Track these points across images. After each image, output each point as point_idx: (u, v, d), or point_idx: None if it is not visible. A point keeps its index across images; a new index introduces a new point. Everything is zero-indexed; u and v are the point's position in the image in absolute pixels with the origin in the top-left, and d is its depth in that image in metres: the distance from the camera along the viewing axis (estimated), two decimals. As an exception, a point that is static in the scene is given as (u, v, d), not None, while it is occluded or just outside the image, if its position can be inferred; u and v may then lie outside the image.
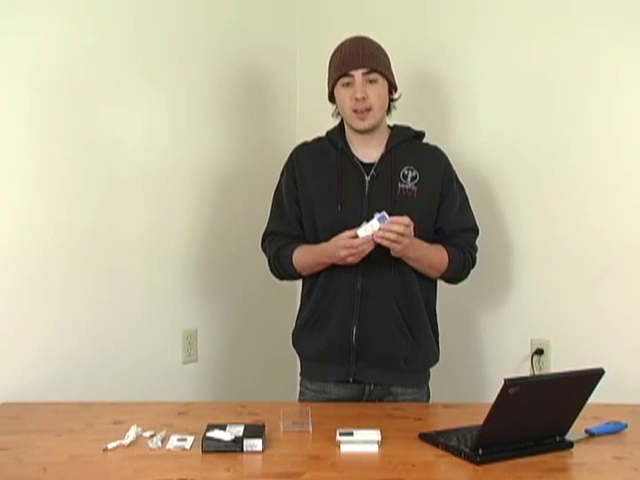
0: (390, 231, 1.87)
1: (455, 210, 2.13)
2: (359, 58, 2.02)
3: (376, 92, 2.03)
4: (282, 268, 2.13)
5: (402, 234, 1.88)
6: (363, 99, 2.01)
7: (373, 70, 2.02)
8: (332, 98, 2.12)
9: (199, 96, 2.68)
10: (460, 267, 2.12)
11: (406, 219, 1.90)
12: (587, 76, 2.37)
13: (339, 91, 2.06)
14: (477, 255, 2.17)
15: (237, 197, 2.80)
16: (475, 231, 2.18)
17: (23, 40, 2.15)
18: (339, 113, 2.14)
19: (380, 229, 1.87)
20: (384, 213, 1.87)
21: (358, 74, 2.01)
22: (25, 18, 2.15)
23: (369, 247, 1.90)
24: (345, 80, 2.03)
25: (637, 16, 2.28)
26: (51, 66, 2.22)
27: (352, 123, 2.07)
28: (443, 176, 2.12)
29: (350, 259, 1.93)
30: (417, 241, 1.98)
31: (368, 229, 1.88)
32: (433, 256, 2.07)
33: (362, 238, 1.88)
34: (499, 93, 2.56)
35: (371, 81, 2.02)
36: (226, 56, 2.76)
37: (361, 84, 2.01)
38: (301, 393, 2.18)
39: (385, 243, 1.89)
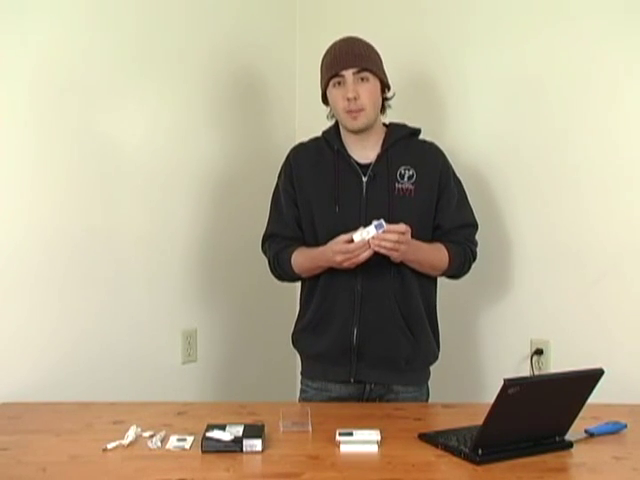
0: (385, 240, 1.87)
1: (453, 206, 2.13)
2: (349, 57, 2.02)
3: (367, 91, 2.03)
4: (282, 271, 2.13)
5: (398, 242, 1.88)
6: (355, 99, 2.01)
7: (364, 69, 2.02)
8: (325, 100, 2.12)
9: (198, 98, 2.68)
10: (461, 264, 2.12)
11: (402, 227, 1.90)
12: (583, 74, 2.37)
13: (331, 92, 2.06)
14: (477, 250, 2.17)
15: (236, 198, 2.80)
16: (474, 226, 2.18)
17: (22, 40, 2.15)
18: (334, 115, 2.14)
19: (374, 237, 1.87)
20: (382, 221, 1.87)
21: (349, 73, 2.01)
22: (25, 18, 2.15)
23: (365, 254, 1.89)
24: (336, 80, 2.03)
25: (633, 15, 2.27)
26: (50, 67, 2.22)
27: (345, 123, 2.07)
28: (440, 173, 2.12)
29: (346, 264, 1.93)
30: (416, 243, 1.98)
31: (364, 234, 1.87)
32: (434, 256, 2.07)
33: (357, 243, 1.88)
34: (496, 92, 2.56)
35: (362, 79, 2.02)
36: (226, 57, 2.75)
37: (352, 83, 2.01)
38: (302, 391, 2.18)
39: (382, 251, 1.89)
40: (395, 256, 1.93)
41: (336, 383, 2.11)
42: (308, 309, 2.14)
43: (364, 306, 2.05)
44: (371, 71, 2.03)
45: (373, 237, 1.87)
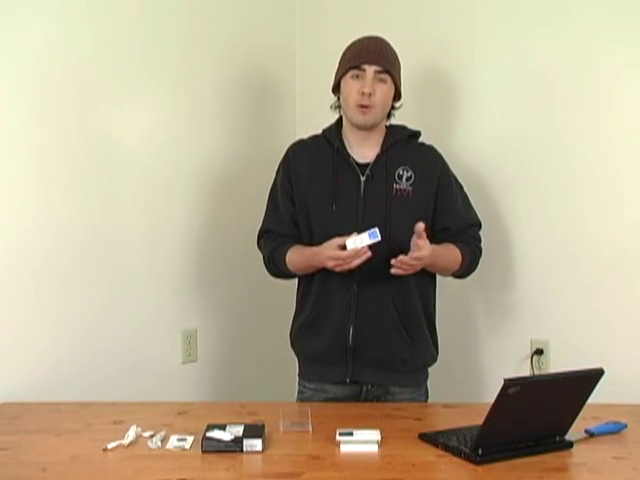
0: (406, 264, 1.90)
1: (459, 208, 2.14)
2: (375, 54, 2.03)
3: (383, 91, 2.04)
4: (277, 268, 2.14)
5: (414, 266, 1.92)
6: (369, 95, 2.01)
7: (386, 70, 2.03)
8: (336, 89, 2.12)
9: (199, 95, 2.67)
10: (472, 262, 2.14)
11: (424, 253, 1.91)
12: (587, 78, 2.37)
13: (347, 82, 2.06)
14: (482, 246, 2.19)
15: (236, 196, 2.80)
16: (479, 225, 2.20)
17: (23, 39, 2.15)
18: (338, 106, 2.13)
19: (397, 260, 1.89)
20: (376, 230, 1.87)
21: (370, 70, 2.02)
22: (25, 17, 2.15)
23: (357, 261, 1.90)
24: (355, 72, 2.04)
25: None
26: (52, 65, 2.22)
27: (353, 116, 2.07)
28: (439, 176, 2.12)
29: (338, 269, 1.94)
30: (434, 248, 1.97)
31: (357, 242, 1.88)
32: (447, 259, 2.08)
33: (349, 251, 1.88)
34: (500, 94, 2.56)
35: (381, 80, 2.03)
36: (226, 55, 2.75)
37: (371, 80, 2.02)
38: (299, 392, 2.19)
39: (400, 272, 1.92)
40: (404, 274, 1.95)
41: (332, 384, 2.11)
42: (304, 308, 2.15)
43: (360, 306, 2.06)
44: (391, 75, 2.04)
45: (397, 259, 1.89)
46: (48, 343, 2.24)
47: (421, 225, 1.91)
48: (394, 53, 2.09)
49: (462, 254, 2.09)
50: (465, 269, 2.13)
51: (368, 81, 2.02)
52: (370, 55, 2.03)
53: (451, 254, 2.08)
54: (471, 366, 2.65)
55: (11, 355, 2.15)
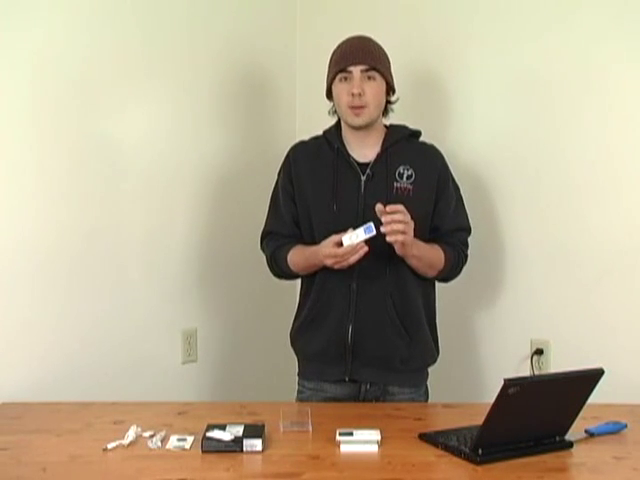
0: (395, 220, 1.86)
1: (451, 210, 2.14)
2: (359, 54, 2.03)
3: (373, 90, 2.03)
4: (279, 268, 2.14)
5: (404, 221, 1.87)
6: (359, 95, 2.01)
7: (372, 68, 2.03)
8: (329, 95, 2.12)
9: (199, 96, 2.68)
10: (455, 265, 2.12)
11: (400, 206, 1.90)
12: (584, 76, 2.36)
13: (337, 86, 2.06)
14: (468, 252, 2.18)
15: (237, 197, 2.80)
16: (468, 230, 2.19)
17: (23, 38, 2.15)
18: (335, 111, 2.14)
19: (385, 223, 1.85)
20: (371, 224, 1.87)
21: (357, 70, 2.02)
22: (25, 16, 2.15)
23: (355, 257, 1.89)
24: (343, 75, 2.04)
25: (634, 16, 2.28)
26: (52, 65, 2.22)
27: (347, 119, 2.07)
28: (439, 174, 2.12)
29: (337, 267, 1.93)
30: (417, 240, 1.98)
31: (353, 238, 1.88)
32: (433, 255, 2.07)
33: (345, 247, 1.88)
34: (496, 93, 2.56)
35: (369, 78, 2.03)
36: (227, 56, 2.75)
37: (359, 80, 2.02)
38: (299, 392, 2.19)
39: (393, 237, 1.87)
40: (401, 239, 1.89)
41: (331, 383, 2.11)
42: (305, 306, 2.15)
43: (359, 304, 2.06)
44: (379, 71, 2.04)
45: (384, 223, 1.85)
46: (48, 343, 2.24)
47: (380, 206, 1.90)
48: (380, 49, 2.08)
49: (445, 255, 2.08)
50: (448, 271, 2.11)
51: (356, 82, 2.01)
52: (354, 56, 2.03)
53: (435, 251, 2.07)
54: (471, 366, 2.65)
55: (11, 355, 2.15)
